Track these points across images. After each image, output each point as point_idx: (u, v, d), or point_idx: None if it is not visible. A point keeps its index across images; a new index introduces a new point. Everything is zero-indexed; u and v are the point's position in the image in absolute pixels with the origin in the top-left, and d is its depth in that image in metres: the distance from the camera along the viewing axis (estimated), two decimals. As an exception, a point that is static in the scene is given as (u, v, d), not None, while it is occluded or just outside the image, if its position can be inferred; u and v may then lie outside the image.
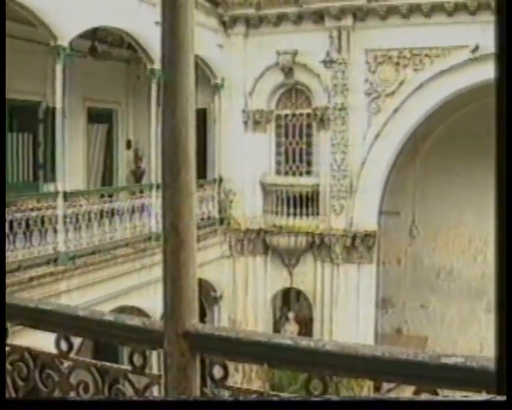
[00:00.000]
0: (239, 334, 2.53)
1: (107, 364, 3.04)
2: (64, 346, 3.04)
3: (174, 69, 2.48)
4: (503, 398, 1.58)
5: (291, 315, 21.61)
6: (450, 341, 23.95)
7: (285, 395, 2.43)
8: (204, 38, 19.45)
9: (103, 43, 19.31)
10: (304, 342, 2.40)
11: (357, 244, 20.19)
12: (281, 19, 20.40)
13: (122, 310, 15.17)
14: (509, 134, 1.62)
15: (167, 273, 2.52)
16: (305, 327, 21.35)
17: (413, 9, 19.32)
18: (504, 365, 1.61)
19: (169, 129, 2.49)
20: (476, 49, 19.03)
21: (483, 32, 18.90)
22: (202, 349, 2.58)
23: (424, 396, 1.95)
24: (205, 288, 20.36)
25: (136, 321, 2.80)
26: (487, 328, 24.01)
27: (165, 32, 2.50)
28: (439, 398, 1.76)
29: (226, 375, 2.64)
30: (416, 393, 2.36)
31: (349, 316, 20.32)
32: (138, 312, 15.76)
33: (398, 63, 19.69)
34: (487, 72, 19.15)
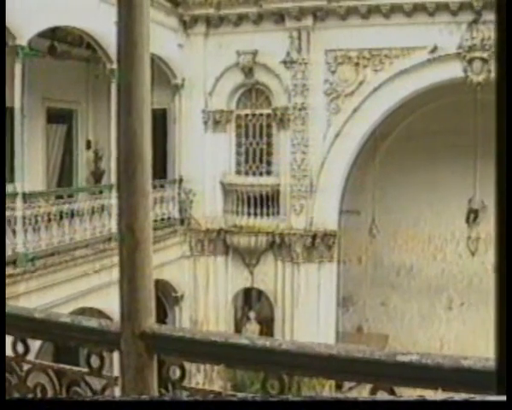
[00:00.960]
0: (195, 334, 2.53)
1: (65, 366, 3.02)
2: (20, 349, 3.01)
3: (130, 69, 2.47)
4: (503, 398, 1.58)
5: (252, 315, 21.62)
6: (411, 338, 24.14)
7: (242, 394, 2.42)
8: (164, 37, 19.40)
9: (63, 42, 19.15)
10: (260, 341, 2.40)
11: (318, 244, 20.26)
12: (241, 19, 20.39)
13: (82, 312, 15.07)
14: (509, 134, 1.62)
15: (123, 274, 2.51)
16: (267, 327, 21.36)
17: (372, 10, 19.42)
18: (504, 365, 1.61)
19: (124, 129, 2.47)
20: (435, 49, 19.20)
21: (441, 33, 19.11)
22: (159, 350, 2.57)
23: (422, 396, 1.95)
24: (166, 288, 20.30)
25: (92, 322, 2.78)
26: (447, 325, 24.28)
27: (121, 32, 2.49)
28: (436, 398, 1.75)
29: (183, 375, 2.63)
30: (373, 391, 2.37)
31: (310, 315, 20.38)
32: (99, 313, 15.64)
33: (357, 63, 19.78)
34: (445, 72, 19.40)
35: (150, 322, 2.53)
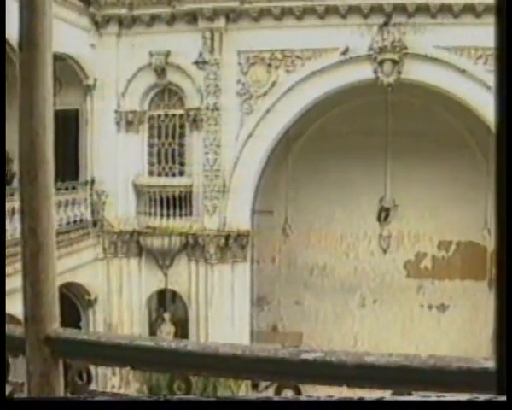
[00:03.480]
0: (100, 337, 2.50)
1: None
2: None
3: (31, 69, 2.43)
4: (503, 398, 1.59)
5: (167, 316, 21.54)
6: (325, 336, 24.40)
7: (144, 396, 2.41)
8: (76, 37, 19.14)
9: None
10: (165, 343, 2.39)
11: (231, 244, 20.32)
12: (154, 19, 20.26)
13: (-8, 316, 14.75)
14: (509, 136, 1.62)
15: (26, 278, 2.47)
16: (182, 328, 21.31)
17: (285, 12, 19.56)
18: (504, 365, 1.61)
19: (25, 130, 2.43)
20: (346, 51, 19.47)
21: (353, 35, 19.39)
22: (65, 354, 2.53)
23: (418, 395, 1.95)
24: (79, 291, 20.06)
25: (-5, 328, 2.73)
26: (361, 322, 24.66)
27: (23, 30, 2.45)
28: (434, 398, 1.76)
29: (89, 380, 2.61)
30: (278, 390, 2.39)
31: (224, 315, 20.42)
32: (10, 318, 15.32)
33: (269, 64, 19.90)
34: (357, 73, 19.70)
35: (55, 326, 2.49)
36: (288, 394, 2.37)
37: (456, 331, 23.80)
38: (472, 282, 24.37)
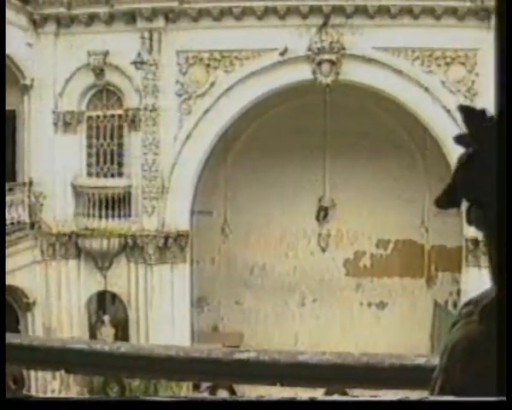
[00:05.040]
0: (33, 341, 2.49)
1: None
2: None
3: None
4: (503, 398, 1.59)
5: (106, 318, 21.39)
6: (266, 335, 24.43)
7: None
8: (12, 36, 18.85)
9: None
10: (98, 345, 2.39)
11: (170, 244, 20.27)
12: (92, 19, 20.09)
13: None
14: (509, 138, 1.63)
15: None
16: (122, 330, 21.19)
17: (224, 12, 19.59)
18: (504, 364, 1.61)
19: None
20: (285, 51, 19.58)
21: (291, 36, 19.51)
22: (-2, 358, 2.52)
23: (415, 395, 1.95)
24: (17, 295, 19.78)
25: None
26: (301, 321, 24.78)
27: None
28: (434, 398, 1.78)
29: (23, 384, 2.59)
30: (213, 390, 2.41)
31: (164, 316, 20.35)
32: None
33: (208, 65, 19.91)
34: (295, 74, 19.83)
35: (-13, 330, 2.47)
36: (223, 394, 2.39)
37: (395, 328, 24.06)
38: (410, 279, 24.70)
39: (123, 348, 2.35)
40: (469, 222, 1.90)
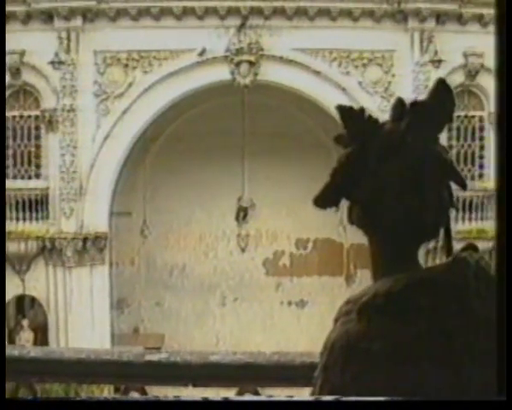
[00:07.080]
0: None
1: None
2: None
3: None
4: (502, 398, 1.57)
5: (25, 323, 21.06)
6: (187, 336, 24.37)
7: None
8: None
9: None
10: (8, 349, 2.38)
11: (89, 247, 20.09)
12: (8, 17, 19.69)
13: None
14: (509, 140, 1.62)
15: None
16: (42, 334, 20.90)
17: (142, 12, 19.55)
18: (504, 364, 1.61)
19: None
20: (203, 52, 19.61)
21: (210, 37, 19.54)
22: None
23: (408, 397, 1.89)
24: None
25: None
26: (222, 321, 24.80)
27: None
28: (433, 399, 1.74)
29: None
30: (125, 392, 2.42)
31: (84, 319, 20.14)
32: None
33: (126, 65, 19.80)
34: (214, 75, 19.85)
35: None
36: (135, 395, 2.41)
37: (315, 326, 24.22)
38: (329, 278, 24.95)
39: (32, 352, 2.35)
40: (351, 221, 1.93)
